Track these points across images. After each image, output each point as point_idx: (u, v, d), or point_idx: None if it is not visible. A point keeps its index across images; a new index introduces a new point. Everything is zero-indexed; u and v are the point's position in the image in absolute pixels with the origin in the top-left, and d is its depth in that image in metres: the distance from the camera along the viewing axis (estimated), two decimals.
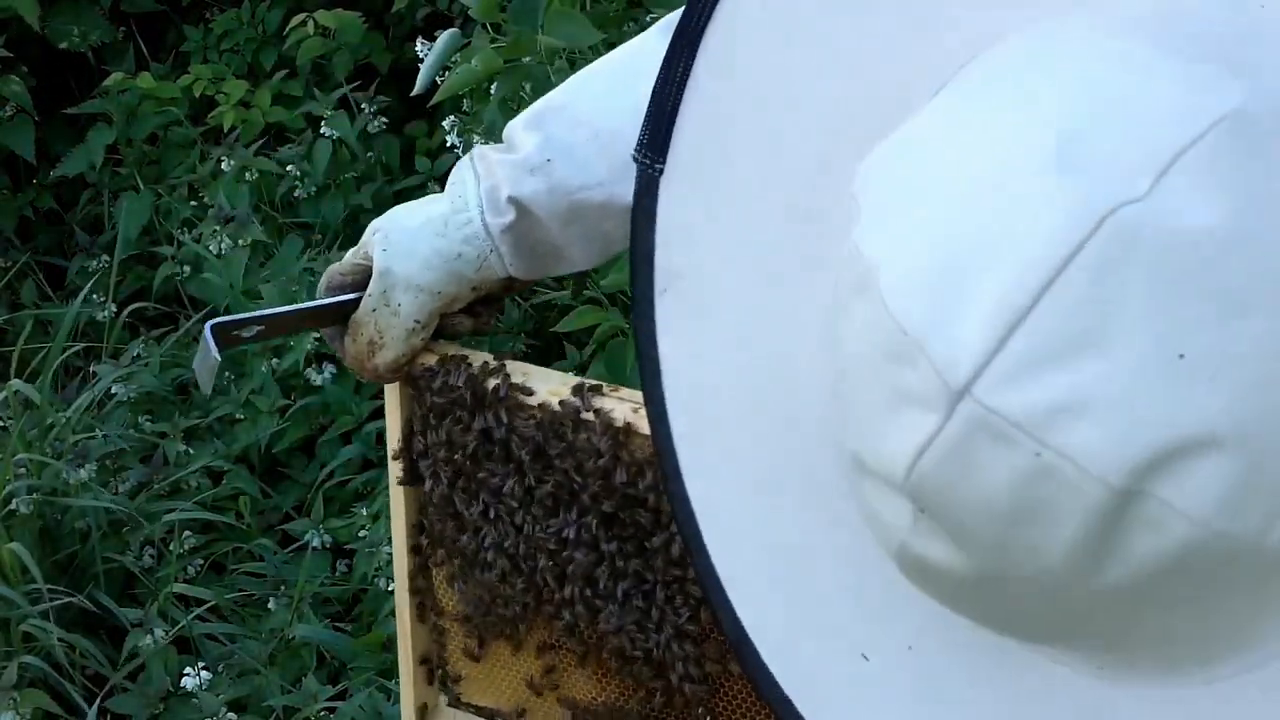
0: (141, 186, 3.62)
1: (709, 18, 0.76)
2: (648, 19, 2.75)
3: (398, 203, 3.80)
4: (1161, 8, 0.68)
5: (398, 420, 1.24)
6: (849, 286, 0.68)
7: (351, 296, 1.19)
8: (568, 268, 1.20)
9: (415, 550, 1.29)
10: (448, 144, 3.14)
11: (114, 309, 3.45)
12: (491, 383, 1.17)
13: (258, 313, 1.18)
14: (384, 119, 3.52)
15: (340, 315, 1.20)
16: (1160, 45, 0.65)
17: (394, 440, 1.25)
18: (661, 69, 0.77)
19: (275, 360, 3.04)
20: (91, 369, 3.25)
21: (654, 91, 0.77)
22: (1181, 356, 0.59)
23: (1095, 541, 0.62)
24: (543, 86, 2.48)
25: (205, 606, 2.72)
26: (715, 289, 0.78)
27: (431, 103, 2.83)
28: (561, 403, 1.13)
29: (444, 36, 2.54)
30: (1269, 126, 0.61)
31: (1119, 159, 0.61)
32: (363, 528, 2.74)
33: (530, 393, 1.15)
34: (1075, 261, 0.60)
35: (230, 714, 2.52)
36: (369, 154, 3.51)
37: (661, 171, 0.77)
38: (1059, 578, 0.64)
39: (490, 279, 1.18)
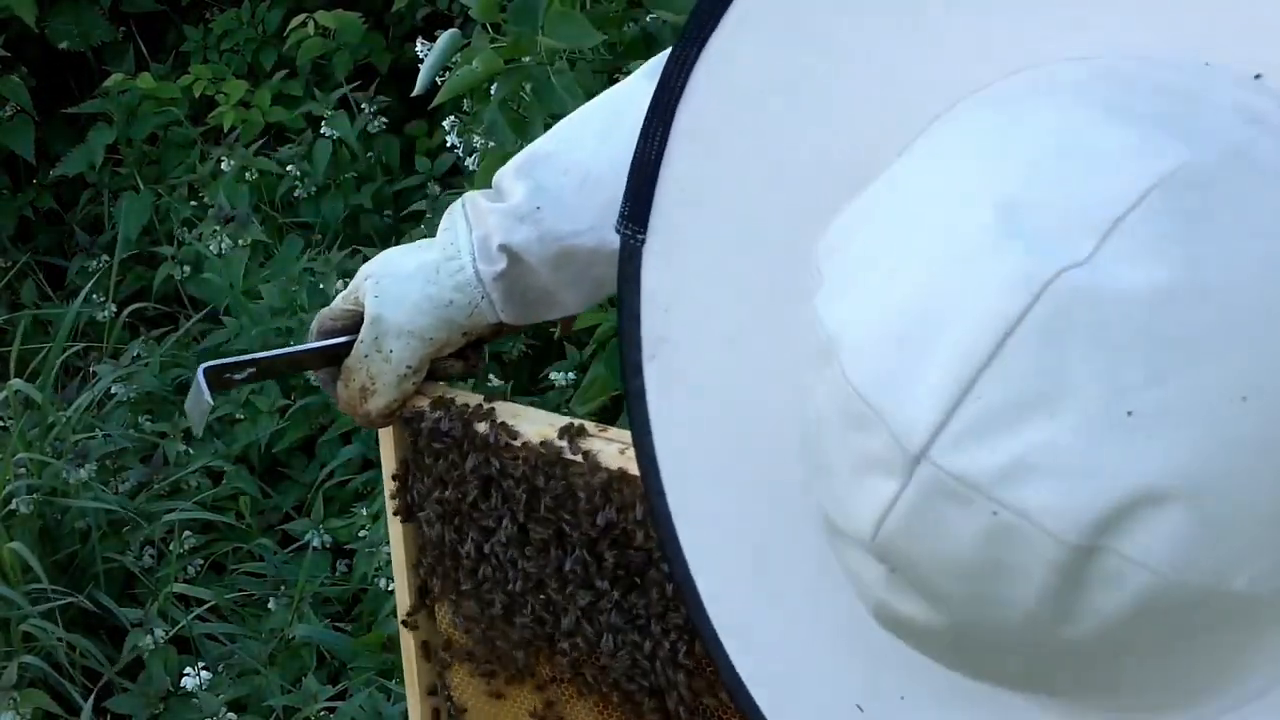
0: (141, 186, 3.62)
1: (684, 86, 0.77)
2: (648, 19, 2.75)
3: (398, 202, 3.75)
4: (1105, 70, 0.69)
5: (392, 459, 1.26)
6: (814, 355, 0.69)
7: (343, 340, 1.20)
8: (560, 312, 1.21)
9: (418, 588, 1.30)
10: (448, 144, 3.14)
11: (114, 309, 3.46)
12: (482, 425, 1.18)
13: (250, 356, 1.20)
14: (384, 119, 3.53)
15: (332, 358, 1.21)
16: (1104, 109, 0.66)
17: (389, 479, 1.27)
18: (639, 141, 0.78)
19: None
20: (91, 369, 3.27)
21: (632, 164, 0.78)
22: (1129, 414, 0.60)
23: (1059, 595, 0.63)
24: (543, 87, 2.48)
25: (205, 606, 2.73)
26: (699, 355, 0.80)
27: (432, 104, 2.83)
28: (550, 444, 1.15)
29: (444, 37, 2.54)
30: (1209, 187, 0.62)
31: (1062, 224, 0.62)
32: (363, 528, 2.75)
33: (519, 435, 1.17)
34: (1021, 327, 0.61)
35: (230, 714, 2.54)
36: (369, 154, 3.52)
37: (644, 242, 0.79)
38: (1029, 630, 0.65)
39: (481, 324, 1.19)
